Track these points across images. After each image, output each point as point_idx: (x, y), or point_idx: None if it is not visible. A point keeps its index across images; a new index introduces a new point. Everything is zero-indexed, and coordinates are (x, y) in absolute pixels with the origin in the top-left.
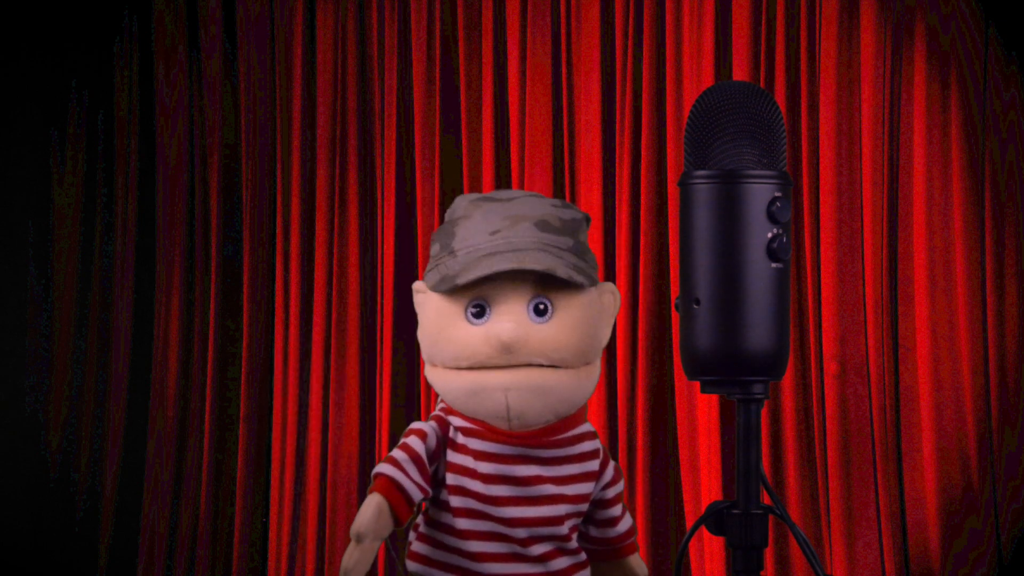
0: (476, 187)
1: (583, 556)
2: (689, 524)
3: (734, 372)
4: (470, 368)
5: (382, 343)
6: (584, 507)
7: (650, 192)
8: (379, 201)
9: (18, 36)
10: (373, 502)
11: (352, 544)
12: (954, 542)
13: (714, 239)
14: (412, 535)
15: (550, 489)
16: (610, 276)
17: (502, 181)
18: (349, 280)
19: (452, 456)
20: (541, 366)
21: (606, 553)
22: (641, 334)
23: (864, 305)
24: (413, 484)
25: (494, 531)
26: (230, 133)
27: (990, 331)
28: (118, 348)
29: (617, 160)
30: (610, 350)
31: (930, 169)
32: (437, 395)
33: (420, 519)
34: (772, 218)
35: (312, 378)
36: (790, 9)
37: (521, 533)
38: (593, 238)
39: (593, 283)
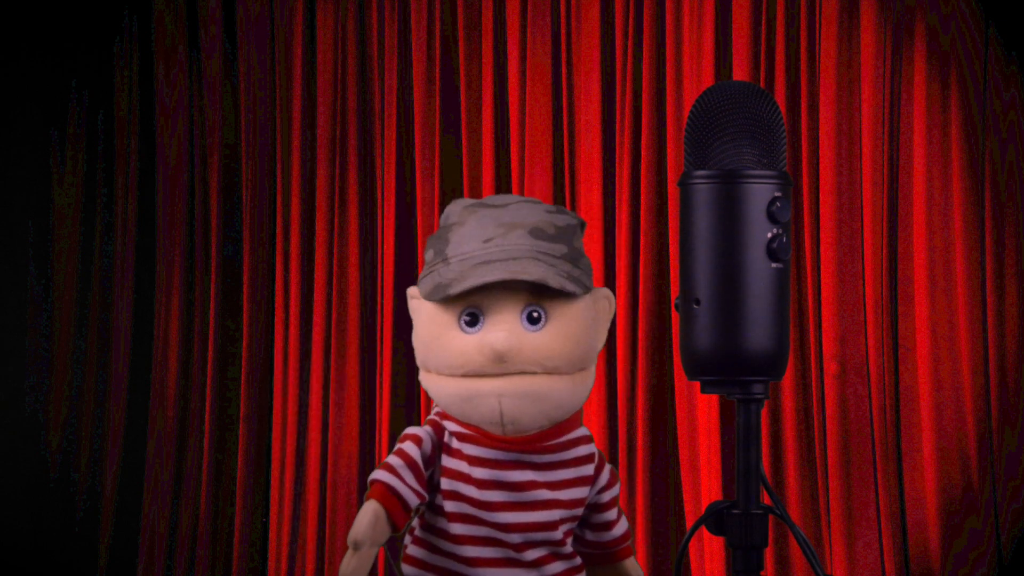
0: (476, 187)
1: (578, 560)
2: (689, 524)
3: (734, 372)
4: (464, 375)
5: (382, 343)
6: (579, 512)
7: (650, 192)
8: (379, 201)
9: (18, 36)
10: (370, 509)
11: (350, 551)
12: (954, 542)
13: (714, 239)
14: (408, 539)
15: (544, 494)
16: (610, 276)
17: (502, 181)
18: (349, 280)
19: (447, 461)
20: (535, 373)
21: (602, 557)
22: (641, 334)
23: (864, 305)
24: (409, 490)
25: (489, 536)
26: (230, 133)
27: (990, 331)
28: (118, 348)
29: (617, 160)
30: (610, 350)
31: (930, 169)
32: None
33: (416, 523)
34: (772, 218)
35: (312, 378)
36: (790, 9)
37: (515, 538)
38: (593, 238)
39: (587, 290)
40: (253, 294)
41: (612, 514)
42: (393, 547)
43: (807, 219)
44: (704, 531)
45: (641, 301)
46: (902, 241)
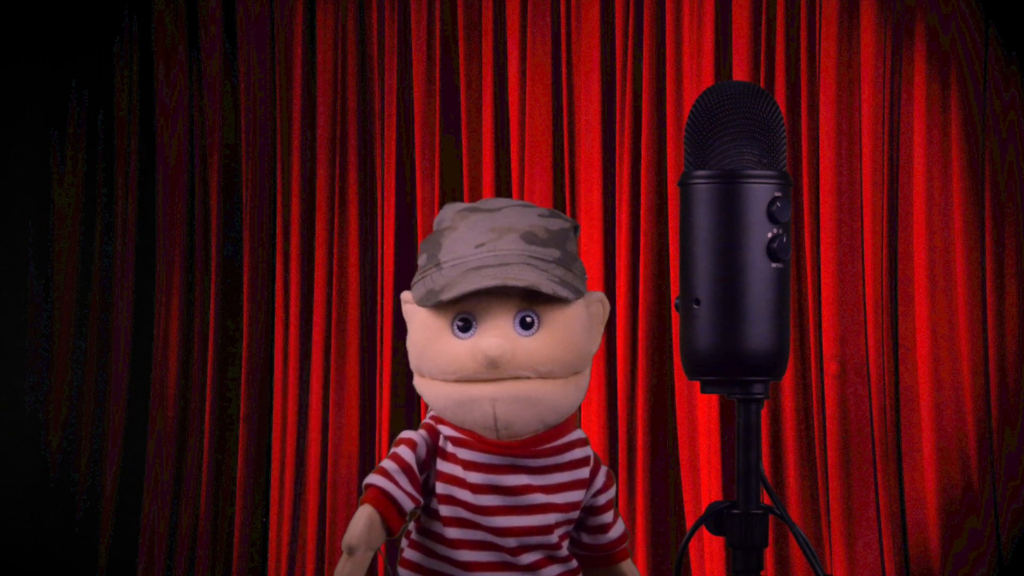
0: (476, 187)
1: (574, 564)
2: (689, 524)
3: (734, 372)
4: (457, 380)
5: (382, 343)
6: (575, 515)
7: (650, 192)
8: (379, 201)
9: (18, 36)
10: (364, 513)
11: (344, 556)
12: (954, 542)
13: (714, 239)
14: (404, 542)
15: (539, 498)
16: (610, 276)
17: (502, 181)
18: (349, 280)
19: (442, 465)
20: (528, 378)
21: (598, 560)
22: (641, 334)
23: (864, 305)
24: (404, 494)
25: (484, 540)
26: (230, 133)
27: (990, 331)
28: (118, 348)
29: (617, 160)
30: (610, 350)
31: (930, 169)
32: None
33: (412, 526)
34: (772, 218)
35: (312, 378)
36: (790, 9)
37: (511, 542)
38: (593, 238)
39: (580, 295)
40: (253, 294)
41: (608, 516)
42: (390, 551)
43: (807, 219)
44: (704, 531)
45: (641, 301)
46: (902, 241)
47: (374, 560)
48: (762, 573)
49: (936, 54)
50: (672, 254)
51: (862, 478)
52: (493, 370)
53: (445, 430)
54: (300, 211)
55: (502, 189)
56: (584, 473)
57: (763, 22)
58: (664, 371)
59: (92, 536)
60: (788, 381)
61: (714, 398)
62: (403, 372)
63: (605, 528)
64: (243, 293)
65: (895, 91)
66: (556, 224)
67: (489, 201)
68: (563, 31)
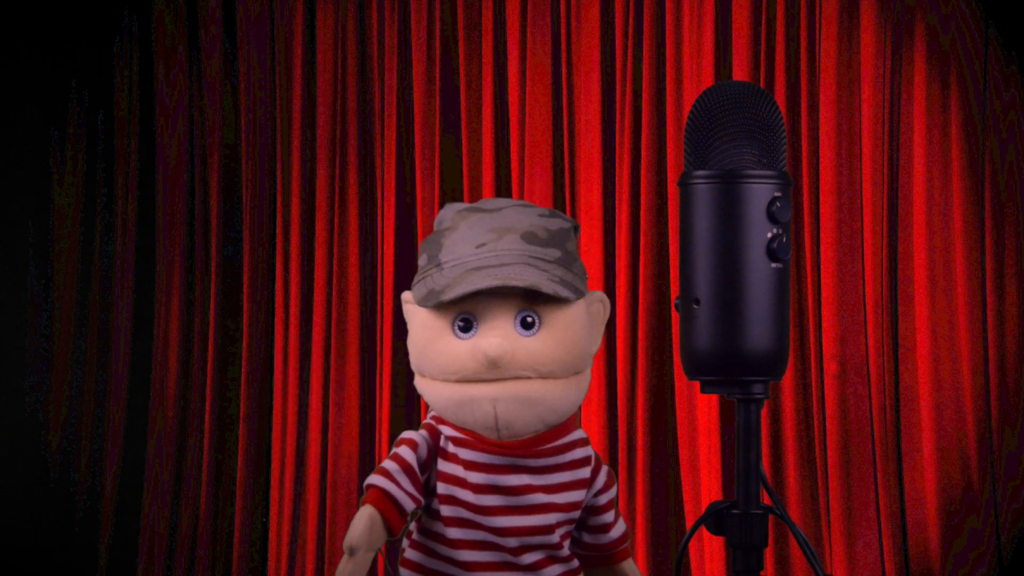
0: (476, 187)
1: (575, 563)
2: (689, 524)
3: (734, 372)
4: (458, 381)
5: (382, 343)
6: (576, 515)
7: (650, 192)
8: (379, 201)
9: (18, 36)
10: (365, 514)
11: (345, 557)
12: (954, 542)
13: (714, 239)
14: (405, 542)
15: (540, 498)
16: (610, 276)
17: (502, 181)
18: (349, 280)
19: (443, 465)
20: (529, 378)
21: (599, 559)
22: (641, 334)
23: (864, 305)
24: (405, 494)
25: (485, 540)
26: (230, 133)
27: (990, 331)
28: (118, 348)
29: (617, 160)
30: (610, 350)
31: (930, 169)
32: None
33: (413, 527)
34: (772, 218)
35: (312, 378)
36: (790, 9)
37: (512, 542)
38: (593, 238)
39: (580, 295)
40: (253, 294)
41: (609, 516)
42: (391, 552)
43: (807, 219)
44: (704, 531)
45: (641, 301)
46: (902, 241)
47: (375, 560)
48: (762, 573)
49: (936, 54)
50: (672, 254)
51: (862, 478)
52: (494, 370)
53: (446, 430)
54: (300, 211)
55: (502, 189)
56: (585, 473)
57: (763, 22)
58: (664, 371)
59: (92, 536)
60: (788, 381)
61: (714, 398)
62: (403, 372)
63: (606, 528)
64: (243, 293)
65: (895, 91)
66: (556, 224)
67: (489, 201)
68: (563, 31)
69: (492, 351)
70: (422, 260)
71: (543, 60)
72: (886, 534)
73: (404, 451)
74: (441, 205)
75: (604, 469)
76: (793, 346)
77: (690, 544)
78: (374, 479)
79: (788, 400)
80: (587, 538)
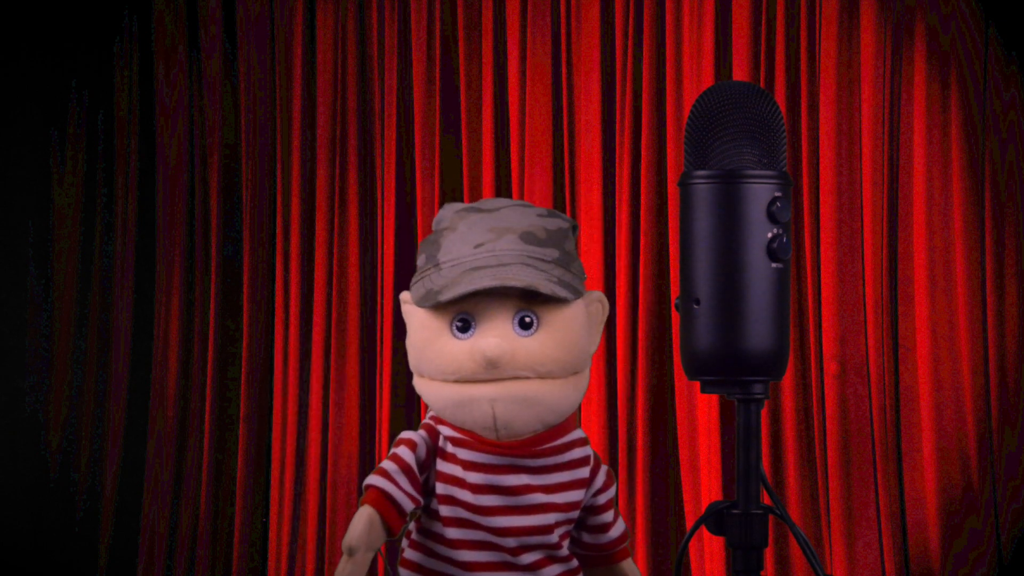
0: (476, 187)
1: (575, 563)
2: (689, 524)
3: (734, 372)
4: (456, 381)
5: (382, 343)
6: (575, 514)
7: (650, 192)
8: (379, 201)
9: (18, 36)
10: (364, 514)
11: (345, 557)
12: (954, 542)
13: (714, 239)
14: (405, 542)
15: (539, 498)
16: (610, 276)
17: (502, 181)
18: (349, 280)
19: (441, 466)
20: (528, 378)
21: (599, 559)
22: (641, 334)
23: (864, 305)
24: (404, 495)
25: (484, 540)
26: (230, 133)
27: (990, 331)
28: (118, 348)
29: (617, 160)
30: (610, 350)
31: (930, 169)
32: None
33: (412, 527)
34: (772, 218)
35: (312, 378)
36: (790, 9)
37: (511, 542)
38: (593, 238)
39: (578, 295)
40: (253, 294)
41: (609, 516)
42: (390, 552)
43: (807, 219)
44: (704, 531)
45: (641, 301)
46: (902, 241)
47: (374, 560)
48: (762, 573)
49: (936, 54)
50: (672, 254)
51: (862, 478)
52: (492, 370)
53: (445, 430)
54: (300, 211)
55: (502, 189)
56: (584, 472)
57: (763, 22)
58: (664, 371)
59: (92, 536)
60: (788, 381)
61: (714, 398)
62: (403, 372)
63: (605, 527)
64: (243, 293)
65: (895, 91)
66: (555, 224)
67: (488, 201)
68: (563, 31)
69: (491, 351)
70: (420, 260)
71: (543, 60)
72: (886, 534)
73: (403, 451)
74: (441, 205)
75: (603, 469)
76: (793, 346)
77: (690, 544)
78: (373, 479)
79: (788, 400)
80: (586, 538)
